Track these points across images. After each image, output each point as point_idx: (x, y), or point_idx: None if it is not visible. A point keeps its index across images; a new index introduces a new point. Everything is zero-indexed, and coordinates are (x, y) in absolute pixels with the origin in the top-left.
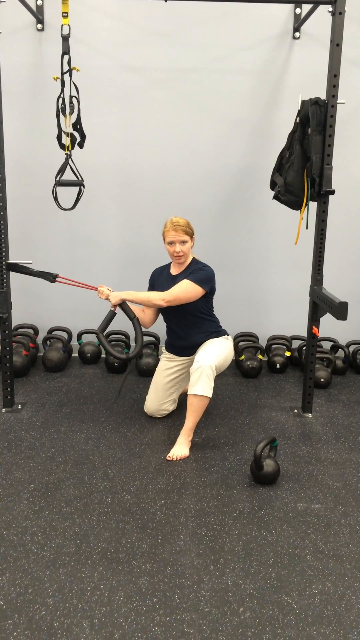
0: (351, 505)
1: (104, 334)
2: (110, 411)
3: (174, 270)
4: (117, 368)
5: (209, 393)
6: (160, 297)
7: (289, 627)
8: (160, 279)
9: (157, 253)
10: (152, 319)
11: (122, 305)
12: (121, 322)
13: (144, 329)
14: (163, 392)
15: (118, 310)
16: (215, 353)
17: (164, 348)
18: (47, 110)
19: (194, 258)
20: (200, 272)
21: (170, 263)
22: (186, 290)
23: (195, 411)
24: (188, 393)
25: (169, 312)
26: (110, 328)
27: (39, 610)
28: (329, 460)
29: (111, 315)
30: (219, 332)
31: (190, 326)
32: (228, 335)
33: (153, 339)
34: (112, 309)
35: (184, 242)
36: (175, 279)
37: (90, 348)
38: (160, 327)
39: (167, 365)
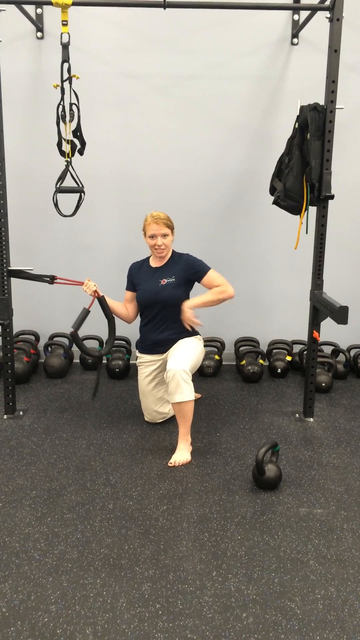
0: (353, 509)
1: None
2: (110, 417)
3: (154, 263)
4: (119, 374)
5: (191, 396)
6: (229, 293)
7: (292, 632)
8: (140, 273)
9: None
10: (134, 314)
11: (101, 304)
12: (121, 328)
13: (127, 325)
14: (151, 396)
15: (95, 307)
16: (187, 355)
17: (137, 352)
18: (47, 118)
19: (173, 251)
20: (198, 260)
21: (148, 257)
22: (220, 275)
23: (183, 417)
24: (170, 402)
25: (150, 304)
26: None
27: (42, 617)
28: (331, 465)
29: (85, 313)
30: (191, 331)
31: (167, 319)
32: (199, 335)
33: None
34: (87, 307)
35: (165, 235)
36: (157, 272)
37: None
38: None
39: (146, 372)
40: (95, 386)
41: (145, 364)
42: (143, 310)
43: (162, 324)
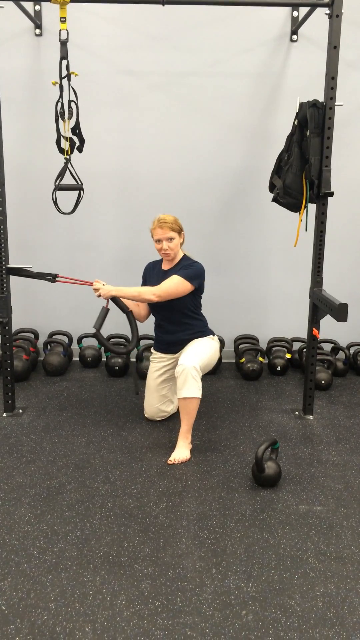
0: (353, 507)
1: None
2: (110, 414)
3: (165, 266)
4: (118, 372)
5: (197, 393)
6: (151, 292)
7: (292, 629)
8: (152, 274)
9: (157, 256)
10: (147, 312)
11: (114, 299)
12: (122, 327)
13: (139, 324)
14: (156, 393)
15: (111, 305)
16: (199, 353)
17: (152, 349)
18: (46, 115)
19: (184, 254)
20: (190, 268)
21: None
22: (177, 285)
23: (187, 414)
24: (177, 397)
25: (157, 308)
26: (109, 332)
27: (41, 615)
28: (331, 462)
29: (105, 312)
30: (204, 331)
31: (176, 322)
32: (214, 335)
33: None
34: (105, 305)
35: (170, 238)
36: (166, 274)
37: (90, 352)
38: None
39: (156, 367)
40: (135, 382)
41: (158, 359)
42: (152, 312)
43: (172, 325)
